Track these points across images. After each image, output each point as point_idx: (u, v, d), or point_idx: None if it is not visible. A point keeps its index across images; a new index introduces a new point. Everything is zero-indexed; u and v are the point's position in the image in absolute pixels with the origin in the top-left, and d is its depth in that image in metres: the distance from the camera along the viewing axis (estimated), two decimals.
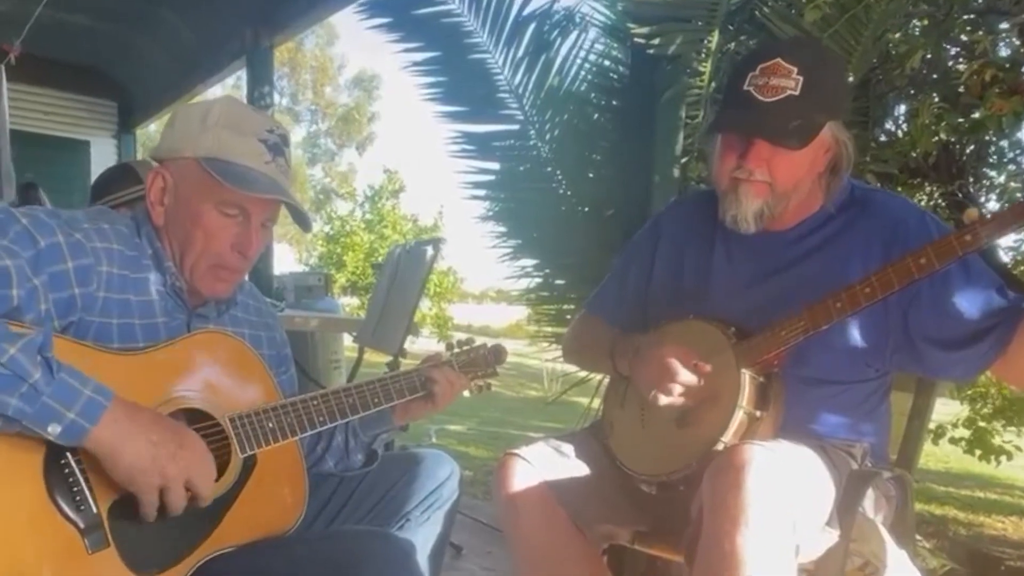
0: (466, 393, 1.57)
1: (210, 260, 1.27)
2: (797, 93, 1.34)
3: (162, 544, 1.13)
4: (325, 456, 1.51)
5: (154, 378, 1.17)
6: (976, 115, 2.51)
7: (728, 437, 1.32)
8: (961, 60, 2.74)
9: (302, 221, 1.37)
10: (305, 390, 1.37)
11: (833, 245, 1.44)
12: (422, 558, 1.36)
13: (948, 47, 2.71)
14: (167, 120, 1.32)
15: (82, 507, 1.05)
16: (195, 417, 1.20)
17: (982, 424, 3.61)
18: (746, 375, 1.34)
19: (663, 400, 1.38)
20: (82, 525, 1.04)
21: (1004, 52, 2.68)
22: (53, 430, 0.99)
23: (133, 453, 1.05)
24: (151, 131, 8.30)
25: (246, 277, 1.41)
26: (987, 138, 2.85)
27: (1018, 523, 4.14)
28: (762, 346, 1.36)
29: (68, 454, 1.05)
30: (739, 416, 1.33)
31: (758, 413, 1.34)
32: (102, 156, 6.58)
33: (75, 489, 1.05)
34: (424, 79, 3.43)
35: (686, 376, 1.36)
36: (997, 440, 3.58)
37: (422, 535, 1.42)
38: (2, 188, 3.48)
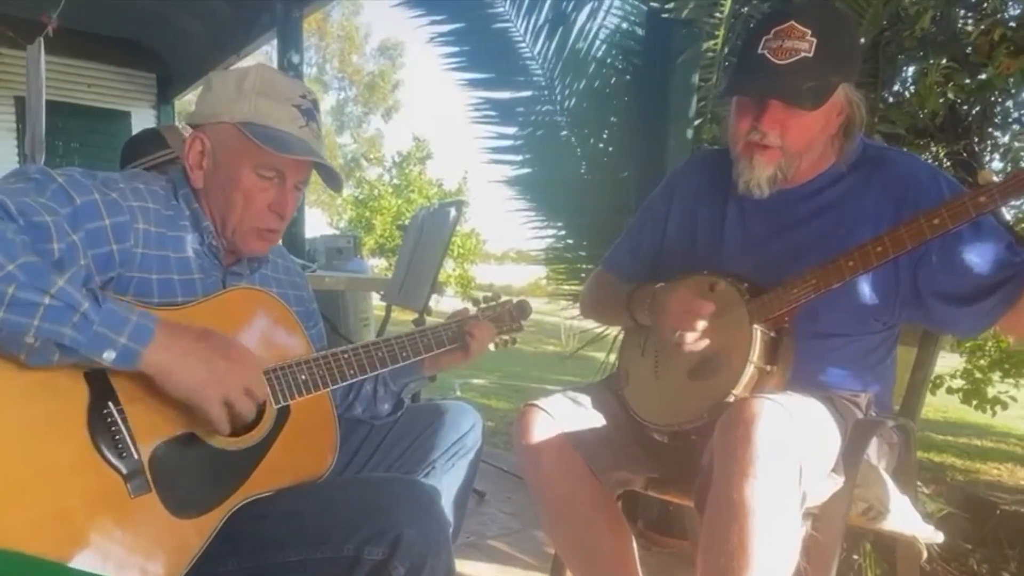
0: (491, 347, 1.56)
1: (252, 223, 1.28)
2: (811, 55, 1.29)
3: (201, 489, 1.13)
4: (354, 403, 1.52)
5: None
6: (984, 75, 2.42)
7: (739, 390, 1.31)
8: (970, 20, 2.63)
9: (334, 182, 1.35)
10: (335, 346, 1.36)
11: (845, 202, 1.40)
12: (447, 503, 1.37)
13: (957, 8, 2.60)
14: (202, 86, 1.31)
15: (124, 454, 1.05)
16: None
17: (979, 376, 3.57)
18: (757, 331, 1.32)
19: (689, 338, 1.35)
20: (124, 471, 1.04)
21: (1013, 11, 2.57)
22: (108, 356, 0.99)
23: (188, 371, 1.05)
24: (187, 101, 8.27)
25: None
26: (992, 99, 2.75)
27: (1013, 470, 4.10)
28: (774, 303, 1.33)
29: (110, 403, 1.05)
30: (750, 370, 1.31)
31: (768, 367, 1.33)
32: (142, 126, 6.51)
33: (117, 437, 1.05)
34: (448, 49, 3.36)
35: (706, 307, 1.34)
36: (992, 391, 3.54)
37: (447, 482, 1.43)
38: (35, 156, 3.55)
